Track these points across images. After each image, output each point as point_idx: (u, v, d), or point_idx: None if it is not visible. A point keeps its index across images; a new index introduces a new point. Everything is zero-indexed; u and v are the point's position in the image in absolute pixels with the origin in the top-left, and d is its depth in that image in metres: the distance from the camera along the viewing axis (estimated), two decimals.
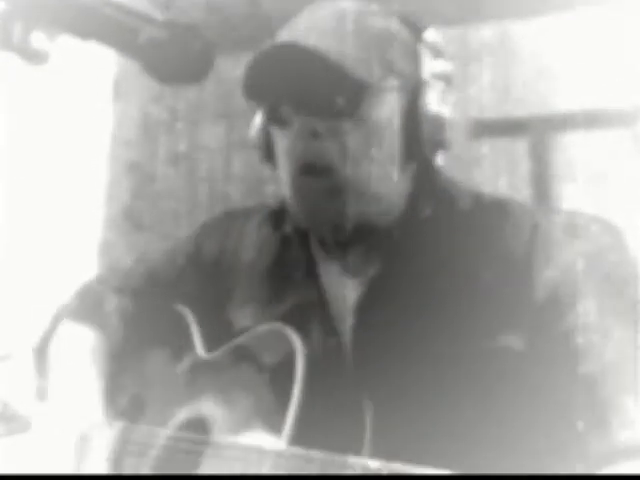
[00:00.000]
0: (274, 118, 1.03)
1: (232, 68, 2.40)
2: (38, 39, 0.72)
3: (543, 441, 0.93)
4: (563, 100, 2.77)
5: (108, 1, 0.74)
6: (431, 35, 1.06)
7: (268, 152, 1.08)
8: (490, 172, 2.86)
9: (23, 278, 2.46)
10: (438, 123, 1.02)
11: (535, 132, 2.83)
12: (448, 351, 0.97)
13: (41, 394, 1.22)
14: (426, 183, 1.08)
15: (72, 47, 0.77)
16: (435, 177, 1.10)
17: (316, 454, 0.86)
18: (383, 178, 1.02)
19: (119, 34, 0.75)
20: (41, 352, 1.25)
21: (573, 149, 2.77)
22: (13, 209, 2.44)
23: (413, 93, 1.03)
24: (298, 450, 0.88)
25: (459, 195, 1.09)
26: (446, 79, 1.05)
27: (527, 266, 1.00)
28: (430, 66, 1.05)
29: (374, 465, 0.80)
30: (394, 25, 1.04)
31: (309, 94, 0.99)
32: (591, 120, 2.70)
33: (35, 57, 0.73)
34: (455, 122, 1.06)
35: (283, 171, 1.04)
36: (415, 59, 1.04)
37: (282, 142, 1.03)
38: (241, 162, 3.29)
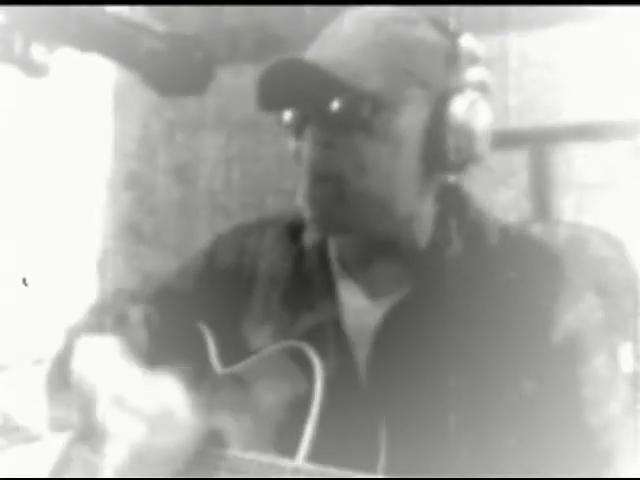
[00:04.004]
0: (290, 129, 1.02)
1: (233, 79, 2.40)
2: (38, 52, 0.72)
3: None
4: (563, 112, 2.77)
5: (107, 13, 0.74)
6: (467, 40, 1.01)
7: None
8: (489, 183, 2.86)
9: (23, 289, 2.46)
10: (466, 134, 0.97)
11: (535, 144, 2.83)
12: (461, 385, 0.96)
13: (57, 426, 1.15)
14: (454, 209, 1.04)
15: (71, 59, 0.77)
16: (464, 204, 1.06)
17: (332, 471, 0.85)
18: (399, 192, 0.99)
19: (119, 46, 0.75)
20: (58, 377, 1.17)
21: (573, 161, 2.77)
22: (12, 220, 2.44)
23: (439, 103, 0.97)
24: (315, 467, 0.88)
25: (488, 229, 1.05)
26: (482, 87, 1.00)
27: (549, 308, 0.97)
28: (464, 74, 0.99)
29: None
30: (421, 31, 1.00)
31: (314, 106, 0.97)
32: (591, 132, 2.70)
33: (36, 70, 0.73)
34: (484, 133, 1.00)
35: (300, 180, 1.02)
36: (444, 67, 0.99)
37: (301, 152, 1.01)
38: (241, 173, 3.28)
